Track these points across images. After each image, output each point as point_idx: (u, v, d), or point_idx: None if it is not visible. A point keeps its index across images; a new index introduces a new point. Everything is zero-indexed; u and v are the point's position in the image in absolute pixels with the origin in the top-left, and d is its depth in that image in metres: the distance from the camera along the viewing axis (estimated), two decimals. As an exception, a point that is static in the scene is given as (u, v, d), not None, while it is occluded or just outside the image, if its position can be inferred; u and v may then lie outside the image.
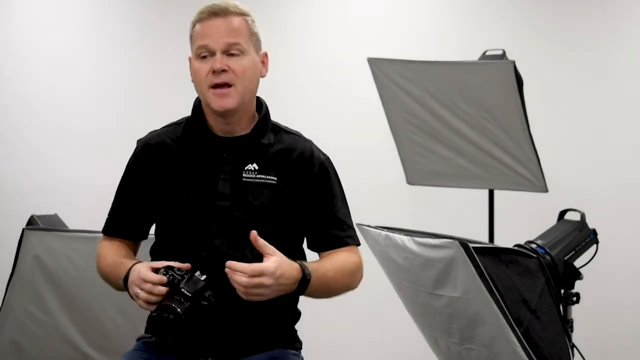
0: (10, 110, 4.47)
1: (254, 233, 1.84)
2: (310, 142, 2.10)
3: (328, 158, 2.10)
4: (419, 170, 3.82)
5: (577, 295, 2.76)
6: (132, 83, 4.58)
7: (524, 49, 4.09)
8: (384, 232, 2.72)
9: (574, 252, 2.77)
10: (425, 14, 4.53)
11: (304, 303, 2.11)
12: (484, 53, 3.55)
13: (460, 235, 2.56)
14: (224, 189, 1.97)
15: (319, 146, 2.11)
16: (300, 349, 2.10)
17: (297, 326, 2.12)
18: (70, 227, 3.01)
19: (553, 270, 2.67)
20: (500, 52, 3.47)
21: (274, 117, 2.11)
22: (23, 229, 2.81)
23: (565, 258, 2.74)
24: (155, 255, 2.05)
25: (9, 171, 4.43)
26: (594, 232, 2.86)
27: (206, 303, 1.79)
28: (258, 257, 1.84)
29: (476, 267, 2.41)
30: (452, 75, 3.50)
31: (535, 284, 2.57)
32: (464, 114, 3.51)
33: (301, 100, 4.47)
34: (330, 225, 2.04)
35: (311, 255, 2.06)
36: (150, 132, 2.11)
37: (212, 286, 1.81)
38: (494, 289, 2.43)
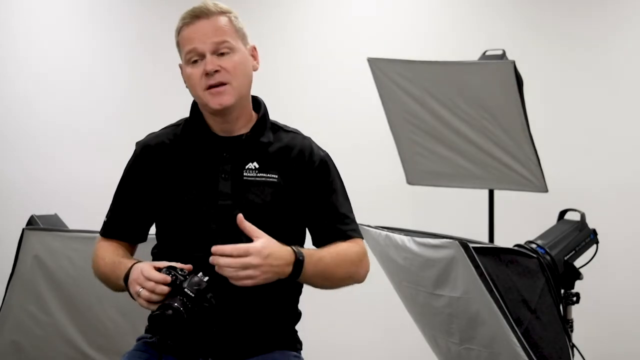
0: (10, 111, 4.47)
1: (240, 216, 1.84)
2: (309, 139, 2.10)
3: (327, 154, 2.10)
4: (419, 170, 3.82)
5: (577, 295, 2.76)
6: (132, 83, 4.58)
7: (524, 49, 4.09)
8: (384, 232, 2.72)
9: (574, 252, 2.77)
10: (425, 14, 4.53)
11: (304, 303, 2.11)
12: (484, 53, 3.55)
13: (460, 235, 2.56)
14: (225, 188, 1.97)
15: (319, 145, 2.11)
16: (301, 349, 2.10)
17: (297, 327, 2.11)
18: (70, 227, 3.01)
19: (553, 270, 2.67)
20: (500, 52, 3.47)
21: (274, 116, 2.11)
22: (23, 229, 2.81)
23: (565, 258, 2.74)
24: (157, 255, 2.05)
25: (9, 171, 4.42)
26: (594, 232, 2.86)
27: (208, 305, 1.79)
28: None
29: (476, 267, 2.41)
30: (452, 75, 3.50)
31: (535, 284, 2.57)
32: (464, 114, 3.51)
33: (301, 100, 4.47)
34: (333, 220, 2.03)
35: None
36: (148, 134, 2.11)
37: (213, 287, 1.81)
38: (494, 289, 2.43)
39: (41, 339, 2.85)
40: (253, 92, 2.08)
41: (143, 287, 1.80)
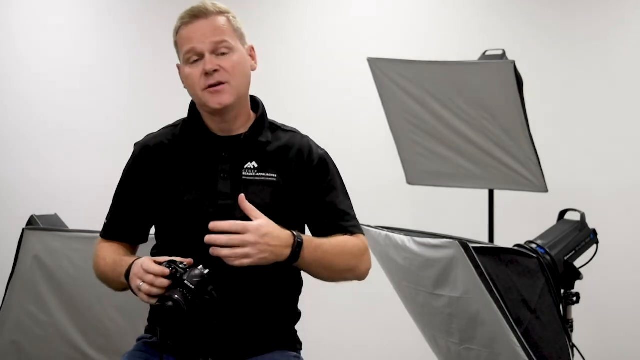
0: (10, 111, 4.47)
1: (241, 196, 1.85)
2: (307, 137, 2.10)
3: (326, 152, 2.10)
4: (419, 170, 3.82)
5: (577, 295, 2.76)
6: (132, 83, 4.58)
7: (524, 49, 4.09)
8: (384, 232, 2.72)
9: (574, 252, 2.78)
10: (425, 14, 4.53)
11: (304, 303, 2.11)
12: (484, 53, 3.55)
13: (460, 235, 2.56)
14: (224, 188, 1.98)
15: (317, 144, 2.11)
16: (301, 349, 2.10)
17: (297, 327, 2.11)
18: (70, 227, 3.01)
19: (553, 270, 2.67)
20: (500, 52, 3.47)
21: (274, 117, 2.11)
22: (23, 229, 2.81)
23: (565, 258, 2.74)
24: (156, 255, 2.04)
25: (9, 171, 4.42)
26: (594, 232, 2.86)
27: (208, 297, 1.78)
28: None
29: (476, 267, 2.41)
30: (452, 75, 3.50)
31: (535, 284, 2.58)
32: (464, 114, 3.51)
33: (301, 100, 4.47)
34: (333, 217, 2.03)
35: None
36: (147, 135, 2.11)
37: (214, 280, 1.81)
38: (494, 289, 2.43)
39: (41, 339, 2.85)
40: (253, 92, 2.08)
41: (143, 281, 1.79)
